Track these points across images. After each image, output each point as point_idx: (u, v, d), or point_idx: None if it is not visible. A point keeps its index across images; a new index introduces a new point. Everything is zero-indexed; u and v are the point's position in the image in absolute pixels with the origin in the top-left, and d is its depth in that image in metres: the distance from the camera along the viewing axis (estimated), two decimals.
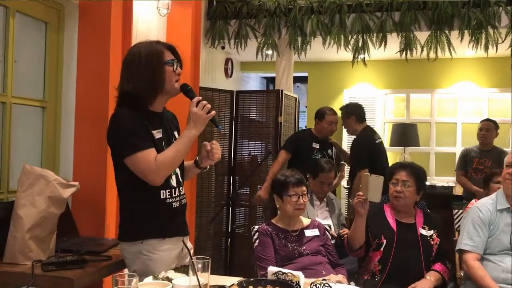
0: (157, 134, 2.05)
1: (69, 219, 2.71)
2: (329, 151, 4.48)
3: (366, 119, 4.55)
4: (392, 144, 5.99)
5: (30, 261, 2.14)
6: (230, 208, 4.86)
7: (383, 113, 6.46)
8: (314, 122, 4.49)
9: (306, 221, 2.84)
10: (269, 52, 5.02)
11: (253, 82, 7.75)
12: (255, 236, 2.84)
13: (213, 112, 2.04)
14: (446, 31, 4.51)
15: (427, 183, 5.58)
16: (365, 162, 4.20)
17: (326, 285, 1.68)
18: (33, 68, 2.94)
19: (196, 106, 2.01)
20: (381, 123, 6.44)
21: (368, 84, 6.53)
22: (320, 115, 4.43)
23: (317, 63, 6.53)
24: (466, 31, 4.43)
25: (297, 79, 7.59)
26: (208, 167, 2.25)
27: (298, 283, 1.73)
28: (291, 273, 1.76)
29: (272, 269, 1.81)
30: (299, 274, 1.75)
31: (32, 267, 2.08)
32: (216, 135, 4.77)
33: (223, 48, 5.31)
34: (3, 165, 2.66)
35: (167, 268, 2.01)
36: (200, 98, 2.04)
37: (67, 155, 2.99)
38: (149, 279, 1.85)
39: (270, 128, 4.73)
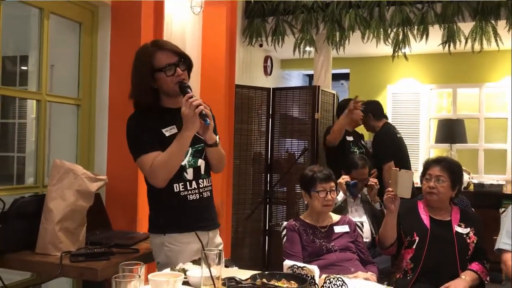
0: (170, 130, 2.05)
1: (102, 213, 2.79)
2: (362, 141, 4.42)
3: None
4: (438, 140, 5.76)
5: (60, 252, 2.23)
6: (267, 205, 4.85)
7: (429, 108, 6.24)
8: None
9: (335, 217, 2.79)
10: (308, 48, 4.97)
11: (294, 79, 7.68)
12: (284, 232, 2.81)
13: (200, 107, 1.88)
14: (492, 21, 4.30)
15: (475, 181, 5.39)
16: (391, 155, 4.15)
17: (339, 279, 1.63)
18: (68, 67, 3.05)
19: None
20: (427, 119, 6.22)
21: (413, 79, 6.32)
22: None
23: (358, 59, 6.40)
24: None
25: (340, 76, 7.46)
26: (218, 140, 2.08)
27: (313, 278, 1.70)
28: (306, 267, 1.73)
29: (287, 262, 1.79)
30: (314, 268, 1.72)
31: (60, 257, 2.17)
32: (255, 133, 4.78)
33: (261, 46, 5.31)
34: (39, 161, 2.78)
35: (189, 261, 2.02)
36: (189, 95, 1.90)
37: (101, 152, 3.08)
38: (166, 270, 1.87)
39: (307, 125, 4.68)
